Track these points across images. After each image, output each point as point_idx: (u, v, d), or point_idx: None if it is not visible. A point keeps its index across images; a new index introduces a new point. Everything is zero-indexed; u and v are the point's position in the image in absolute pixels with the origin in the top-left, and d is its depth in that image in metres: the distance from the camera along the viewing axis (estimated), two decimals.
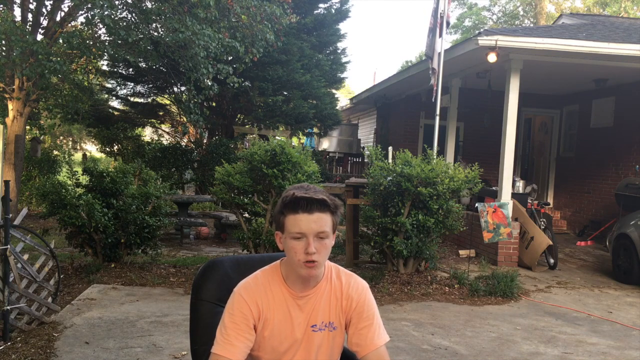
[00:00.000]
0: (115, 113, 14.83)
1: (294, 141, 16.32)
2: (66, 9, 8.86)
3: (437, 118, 8.01)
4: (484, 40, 7.81)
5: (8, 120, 8.60)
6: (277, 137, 6.80)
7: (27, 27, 8.38)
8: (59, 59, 7.68)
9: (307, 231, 1.70)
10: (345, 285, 1.86)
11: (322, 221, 1.72)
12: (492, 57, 7.97)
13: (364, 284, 1.89)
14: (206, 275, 2.01)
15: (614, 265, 7.69)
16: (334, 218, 1.77)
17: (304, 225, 1.70)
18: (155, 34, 8.87)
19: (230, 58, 9.49)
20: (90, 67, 11.20)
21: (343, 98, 23.35)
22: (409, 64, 30.76)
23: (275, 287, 1.80)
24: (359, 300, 1.84)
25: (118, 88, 14.77)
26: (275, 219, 1.80)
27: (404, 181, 6.39)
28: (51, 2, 8.72)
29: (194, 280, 2.02)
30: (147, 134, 17.90)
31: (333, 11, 14.83)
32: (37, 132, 11.62)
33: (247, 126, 14.02)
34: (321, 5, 14.80)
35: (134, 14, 8.58)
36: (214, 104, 14.09)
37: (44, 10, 8.80)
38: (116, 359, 3.96)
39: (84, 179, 6.72)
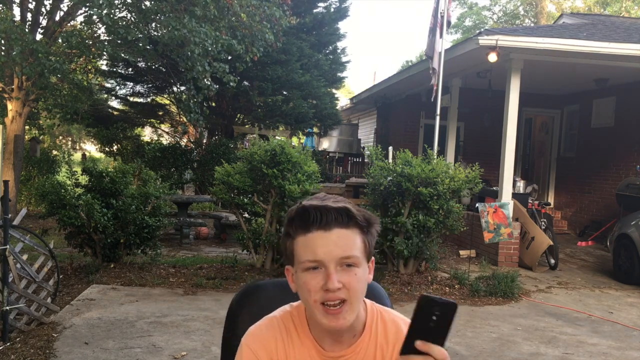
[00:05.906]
0: (115, 113, 14.80)
1: (294, 141, 16.31)
2: (65, 9, 8.85)
3: (438, 118, 8.00)
4: (484, 40, 7.80)
5: (7, 120, 8.59)
6: (277, 137, 6.80)
7: (27, 26, 8.37)
8: (58, 58, 7.66)
9: (325, 256, 1.14)
10: (393, 337, 1.25)
11: (347, 240, 1.16)
12: (492, 57, 7.95)
13: None
14: (243, 304, 1.55)
15: (614, 266, 7.67)
16: (365, 238, 1.19)
17: (319, 247, 1.15)
18: (155, 33, 8.85)
19: (230, 57, 9.47)
20: (90, 67, 11.18)
21: (343, 98, 23.33)
22: (409, 64, 30.74)
23: (298, 337, 1.26)
24: None
25: (117, 88, 14.74)
26: (283, 248, 1.25)
27: (404, 181, 6.37)
28: (50, 1, 8.71)
29: (230, 308, 1.57)
30: (147, 133, 17.90)
31: (332, 10, 14.80)
32: (37, 132, 11.61)
33: (247, 126, 14.00)
34: (320, 4, 14.76)
35: (133, 14, 8.56)
36: (213, 104, 14.07)
37: (43, 9, 8.79)
38: None
39: (84, 179, 6.71)
